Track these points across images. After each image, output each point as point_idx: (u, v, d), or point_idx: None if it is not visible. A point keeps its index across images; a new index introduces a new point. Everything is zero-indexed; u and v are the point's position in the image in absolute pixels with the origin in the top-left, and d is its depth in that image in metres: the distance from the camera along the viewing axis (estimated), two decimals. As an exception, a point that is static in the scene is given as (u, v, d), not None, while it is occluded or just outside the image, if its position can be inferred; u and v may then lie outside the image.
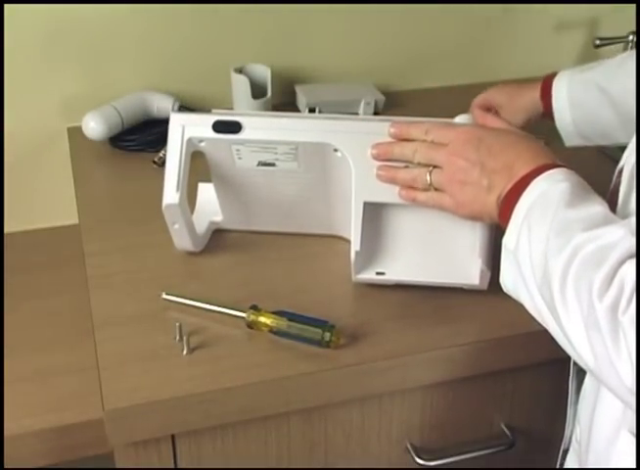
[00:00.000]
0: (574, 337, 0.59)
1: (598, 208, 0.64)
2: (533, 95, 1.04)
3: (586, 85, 0.99)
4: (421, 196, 0.79)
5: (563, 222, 0.63)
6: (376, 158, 0.81)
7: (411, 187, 0.80)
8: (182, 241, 0.90)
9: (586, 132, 1.01)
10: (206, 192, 0.95)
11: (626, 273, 0.56)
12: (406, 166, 0.79)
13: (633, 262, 0.56)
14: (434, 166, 0.77)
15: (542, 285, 0.63)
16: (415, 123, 0.80)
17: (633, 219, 0.61)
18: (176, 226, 0.87)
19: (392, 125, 0.80)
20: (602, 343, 0.56)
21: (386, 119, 0.82)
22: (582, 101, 0.99)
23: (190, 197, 0.89)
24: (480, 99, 1.10)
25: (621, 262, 0.56)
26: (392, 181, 0.81)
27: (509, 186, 0.70)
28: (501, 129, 0.77)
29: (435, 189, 0.77)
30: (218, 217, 0.95)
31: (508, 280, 0.70)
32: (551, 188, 0.67)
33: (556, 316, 0.61)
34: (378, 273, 0.84)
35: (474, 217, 0.76)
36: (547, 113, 1.03)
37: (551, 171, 0.68)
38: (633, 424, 0.65)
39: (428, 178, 0.77)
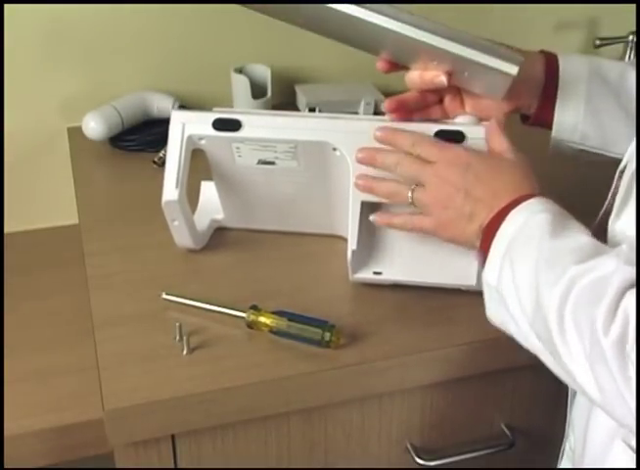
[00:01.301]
0: (577, 371, 0.58)
1: (585, 238, 0.64)
2: (536, 59, 0.81)
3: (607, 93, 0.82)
4: (397, 220, 0.79)
5: (553, 253, 0.63)
6: (360, 162, 0.79)
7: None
8: (182, 238, 0.90)
9: (588, 129, 0.83)
10: (209, 190, 0.95)
11: (628, 305, 0.55)
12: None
13: (634, 293, 0.55)
14: (417, 184, 0.75)
15: (535, 319, 0.62)
16: (403, 132, 0.78)
17: (624, 247, 0.60)
18: (176, 223, 0.88)
19: (379, 129, 0.79)
20: (609, 376, 0.55)
21: (385, 120, 0.82)
22: (599, 101, 0.82)
23: (193, 195, 0.89)
24: None
25: (621, 294, 0.56)
26: (370, 193, 0.80)
27: (490, 217, 0.70)
28: (492, 156, 0.76)
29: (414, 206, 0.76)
30: (220, 215, 0.95)
31: (494, 315, 0.69)
32: (530, 219, 0.66)
33: (553, 350, 0.60)
34: (375, 273, 0.84)
35: (453, 241, 0.75)
36: (547, 93, 0.81)
37: (528, 202, 0.68)
38: (628, 434, 0.64)
39: (410, 196, 0.76)
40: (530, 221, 0.66)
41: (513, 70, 0.75)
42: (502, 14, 1.39)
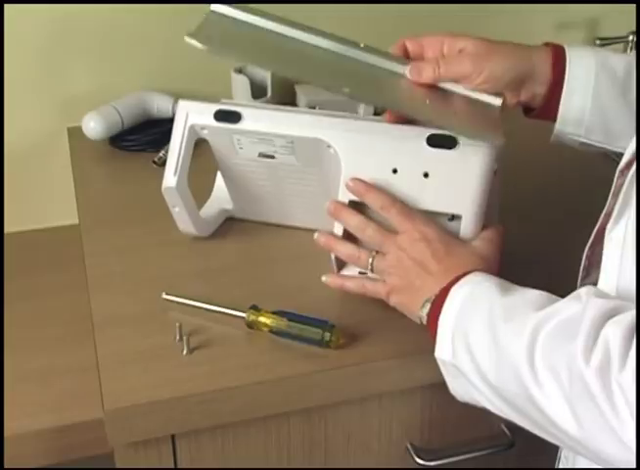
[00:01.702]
0: (556, 413, 0.57)
1: (537, 291, 0.65)
2: (542, 57, 0.79)
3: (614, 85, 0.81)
4: (350, 284, 0.80)
5: (507, 309, 0.63)
6: (327, 212, 0.80)
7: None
8: (184, 224, 0.91)
9: (593, 124, 0.82)
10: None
11: (609, 333, 0.55)
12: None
13: (616, 321, 0.55)
14: (377, 251, 0.77)
15: (500, 380, 0.62)
16: (375, 192, 0.78)
17: (583, 290, 0.61)
18: (176, 209, 0.89)
19: (352, 180, 0.79)
20: (593, 408, 0.54)
21: (381, 120, 0.82)
22: (606, 96, 0.81)
23: (209, 184, 0.91)
24: (424, 37, 0.81)
25: (599, 326, 0.56)
26: (330, 251, 0.81)
27: (437, 291, 0.71)
28: (453, 237, 0.77)
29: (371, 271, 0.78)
30: (229, 205, 0.97)
31: (457, 391, 0.70)
32: (475, 289, 0.68)
33: (528, 401, 0.59)
34: (361, 273, 0.83)
35: (401, 309, 0.77)
36: (553, 88, 0.80)
37: (470, 276, 0.69)
38: None
39: (369, 263, 0.78)
40: (475, 291, 0.67)
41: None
42: (502, 14, 1.38)
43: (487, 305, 0.65)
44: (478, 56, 0.78)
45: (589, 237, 0.72)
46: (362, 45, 0.83)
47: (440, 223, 0.79)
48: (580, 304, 0.59)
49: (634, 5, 1.20)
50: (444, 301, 0.69)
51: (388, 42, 1.36)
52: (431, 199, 0.79)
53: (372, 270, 0.78)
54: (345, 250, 0.80)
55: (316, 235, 0.81)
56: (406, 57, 0.82)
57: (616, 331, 0.54)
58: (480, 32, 1.44)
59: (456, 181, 0.79)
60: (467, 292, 0.68)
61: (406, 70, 0.80)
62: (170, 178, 0.87)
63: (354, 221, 0.79)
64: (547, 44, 0.82)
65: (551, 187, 1.09)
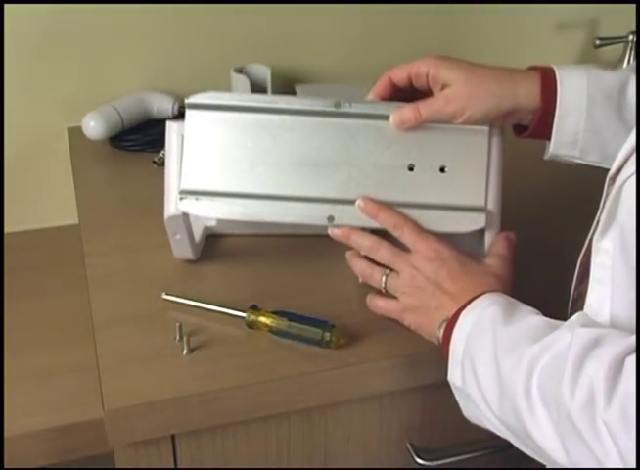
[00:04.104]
0: (548, 447, 0.59)
1: (535, 317, 0.65)
2: (528, 86, 0.77)
3: (608, 96, 0.79)
4: (367, 298, 0.81)
5: (507, 340, 0.64)
6: (334, 237, 0.79)
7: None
8: (183, 251, 0.89)
9: (587, 145, 0.80)
10: None
11: (591, 372, 0.55)
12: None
13: (598, 358, 0.55)
14: (391, 270, 0.77)
15: (502, 411, 0.63)
16: (387, 210, 0.78)
17: (574, 318, 0.62)
18: (178, 237, 0.86)
19: (364, 200, 0.78)
20: (581, 443, 0.55)
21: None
22: (600, 117, 0.79)
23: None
24: (409, 70, 0.80)
25: (580, 364, 0.56)
26: (350, 260, 0.81)
27: (455, 310, 0.71)
28: (468, 256, 0.77)
29: (386, 290, 0.78)
30: (212, 222, 0.95)
31: (468, 414, 0.70)
32: (481, 316, 0.68)
33: (525, 435, 0.61)
34: None
35: (417, 329, 0.77)
36: (543, 115, 0.78)
37: (476, 301, 0.69)
38: None
39: (383, 282, 0.78)
40: (481, 318, 0.68)
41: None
42: (502, 14, 1.39)
43: (491, 335, 0.65)
44: (459, 98, 0.77)
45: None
46: (341, 108, 0.80)
47: (457, 239, 0.78)
48: (570, 333, 0.59)
49: (634, 5, 1.20)
50: (455, 324, 0.69)
51: (385, 43, 1.37)
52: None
53: (385, 289, 0.78)
54: (359, 267, 0.80)
55: (347, 253, 0.81)
56: (394, 89, 0.81)
57: (598, 369, 0.54)
58: (481, 32, 1.45)
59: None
60: (474, 318, 0.68)
61: (389, 119, 0.79)
62: (175, 206, 0.81)
63: (367, 242, 0.78)
64: (535, 68, 0.80)
65: (545, 196, 1.09)
